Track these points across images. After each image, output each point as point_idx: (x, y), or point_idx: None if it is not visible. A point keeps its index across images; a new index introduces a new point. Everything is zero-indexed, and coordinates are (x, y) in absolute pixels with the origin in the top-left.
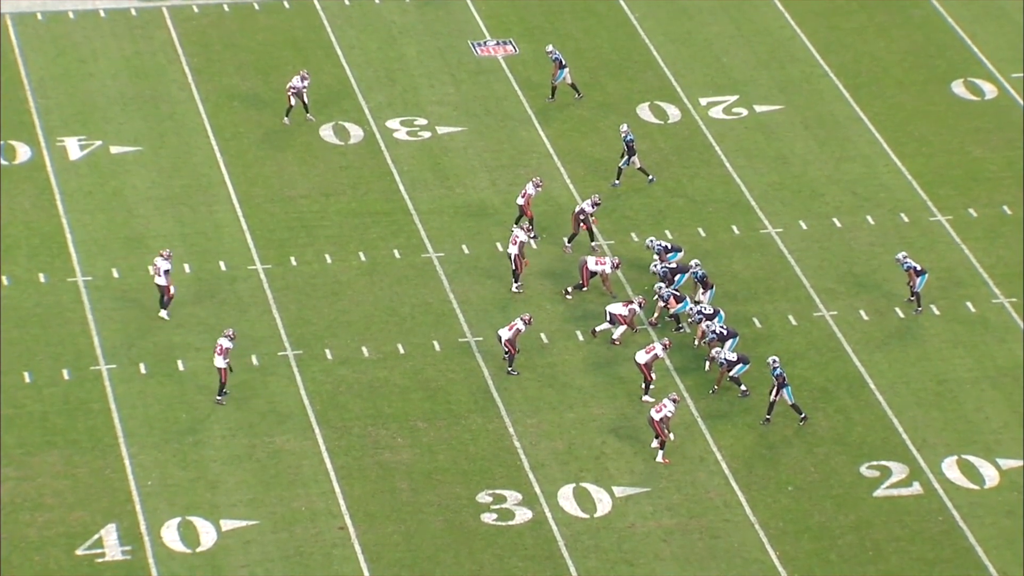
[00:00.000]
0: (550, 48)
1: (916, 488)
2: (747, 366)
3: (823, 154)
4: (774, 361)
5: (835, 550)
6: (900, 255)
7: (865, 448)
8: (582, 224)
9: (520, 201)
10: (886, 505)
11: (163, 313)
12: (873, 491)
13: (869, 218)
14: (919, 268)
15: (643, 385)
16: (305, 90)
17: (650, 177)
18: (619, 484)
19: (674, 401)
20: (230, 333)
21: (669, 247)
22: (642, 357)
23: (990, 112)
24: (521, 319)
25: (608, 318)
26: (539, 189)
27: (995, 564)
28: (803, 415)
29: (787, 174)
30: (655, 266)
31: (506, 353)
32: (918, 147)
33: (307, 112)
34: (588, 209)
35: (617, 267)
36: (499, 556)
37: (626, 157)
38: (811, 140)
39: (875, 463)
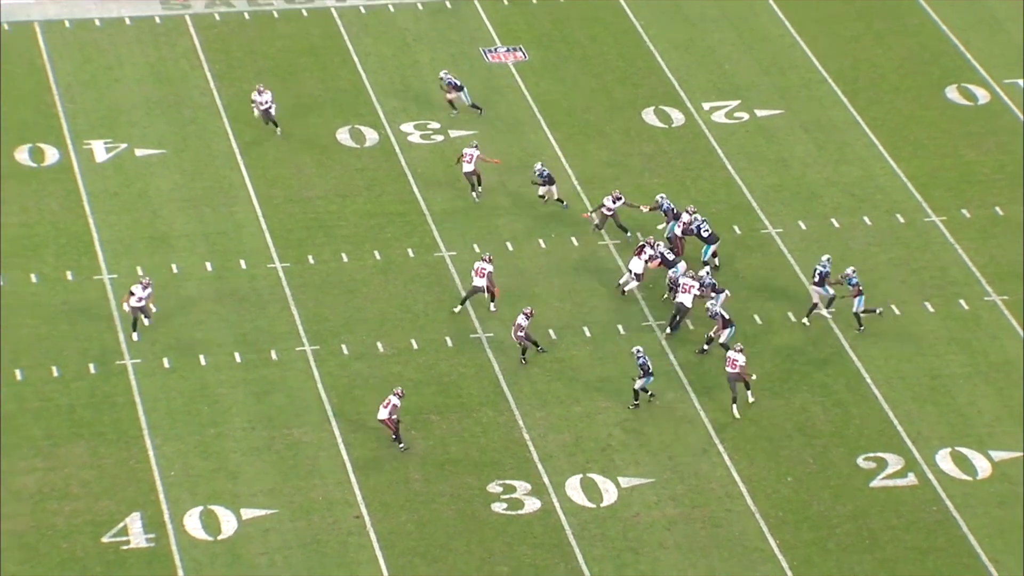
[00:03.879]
0: (444, 73)
1: (911, 479)
2: (734, 329)
3: (822, 157)
4: (639, 351)
5: (833, 539)
6: (849, 270)
7: (862, 440)
8: (605, 218)
9: (468, 168)
10: (882, 495)
11: (135, 335)
12: (870, 482)
13: (866, 219)
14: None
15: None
16: (268, 105)
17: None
18: (624, 475)
19: (740, 351)
20: (399, 392)
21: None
22: (638, 265)
23: (983, 117)
24: (523, 313)
25: (632, 276)
26: (478, 150)
27: (987, 552)
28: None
29: (787, 176)
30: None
31: (527, 346)
32: (913, 150)
33: (276, 127)
34: (610, 205)
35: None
36: (509, 544)
37: (544, 187)
38: (810, 144)
39: (871, 455)
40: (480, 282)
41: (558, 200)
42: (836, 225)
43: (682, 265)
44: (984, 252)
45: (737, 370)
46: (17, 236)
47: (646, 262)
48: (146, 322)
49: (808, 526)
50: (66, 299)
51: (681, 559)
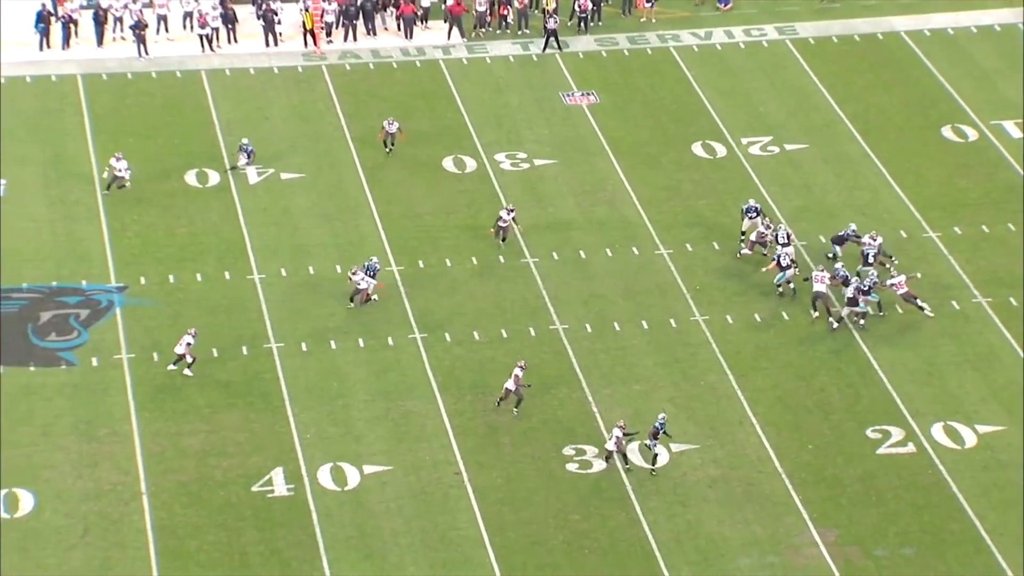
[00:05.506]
0: (245, 141)
1: (910, 448)
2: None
3: (839, 184)
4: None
5: (845, 496)
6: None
7: (870, 416)
8: (502, 229)
9: (391, 131)
10: (886, 461)
11: (188, 371)
12: (876, 450)
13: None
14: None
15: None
16: (123, 173)
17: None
18: (675, 442)
19: (908, 278)
20: (623, 423)
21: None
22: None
23: (972, 152)
24: (519, 366)
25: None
26: (394, 125)
27: (973, 508)
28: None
29: (810, 199)
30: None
31: (521, 396)
32: (914, 179)
33: (108, 188)
34: (505, 217)
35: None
36: (580, 497)
37: (366, 282)
38: (829, 173)
39: (878, 427)
40: (364, 284)
41: (371, 296)
42: None
43: (789, 249)
44: (972, 262)
45: (906, 289)
46: (186, 243)
47: (755, 232)
48: (187, 372)
49: (825, 485)
50: (224, 294)
51: (721, 511)
